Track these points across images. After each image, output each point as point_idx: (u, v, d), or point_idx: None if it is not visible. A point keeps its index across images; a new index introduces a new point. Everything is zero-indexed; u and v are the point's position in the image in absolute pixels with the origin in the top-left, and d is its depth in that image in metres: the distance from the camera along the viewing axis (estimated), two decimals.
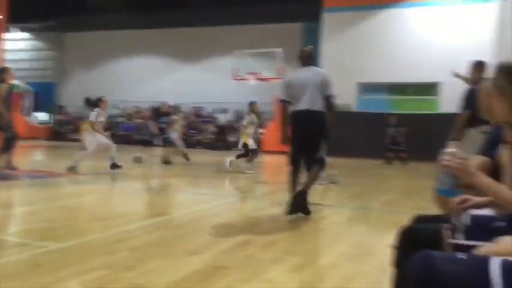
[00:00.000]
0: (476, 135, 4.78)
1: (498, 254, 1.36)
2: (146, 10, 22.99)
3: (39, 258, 3.05)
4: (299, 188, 4.96)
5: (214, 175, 9.51)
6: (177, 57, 23.59)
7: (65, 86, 26.34)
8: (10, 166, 7.95)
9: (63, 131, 23.22)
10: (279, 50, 17.43)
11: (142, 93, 23.00)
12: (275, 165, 12.09)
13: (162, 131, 11.39)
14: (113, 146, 8.67)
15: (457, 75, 6.30)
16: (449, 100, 14.71)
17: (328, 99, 5.05)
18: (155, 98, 22.81)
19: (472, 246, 1.60)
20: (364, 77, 17.61)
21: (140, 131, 20.45)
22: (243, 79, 18.10)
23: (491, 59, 9.11)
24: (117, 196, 6.56)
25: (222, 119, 21.27)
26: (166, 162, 11.01)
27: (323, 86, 5.02)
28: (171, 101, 12.33)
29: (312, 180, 5.04)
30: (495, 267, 1.28)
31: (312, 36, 19.04)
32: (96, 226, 4.24)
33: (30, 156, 12.99)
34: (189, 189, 7.78)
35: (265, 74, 17.82)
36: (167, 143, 11.28)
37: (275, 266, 3.06)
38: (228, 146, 19.63)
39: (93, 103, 8.71)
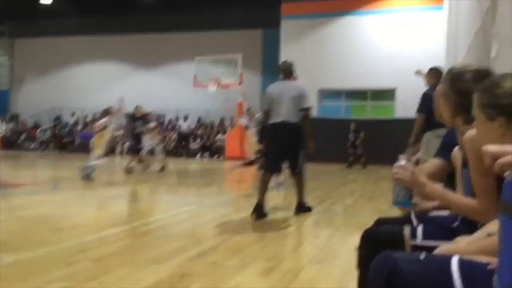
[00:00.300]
0: (433, 139, 4.96)
1: (455, 254, 1.42)
2: (102, 15, 22.44)
3: None
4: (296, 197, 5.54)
5: (178, 182, 9.41)
6: (136, 63, 23.20)
7: (18, 93, 25.45)
8: None
9: (16, 140, 22.42)
10: (239, 56, 17.49)
11: (100, 101, 22.42)
12: (238, 171, 12.09)
13: (136, 137, 10.92)
14: (107, 160, 9.03)
15: (419, 74, 6.53)
16: (405, 105, 15.18)
17: (302, 112, 5.29)
18: (113, 105, 22.35)
19: (431, 247, 1.66)
20: (324, 83, 17.91)
21: None
22: (204, 85, 18.03)
23: (445, 65, 9.43)
24: (78, 205, 6.38)
25: (184, 126, 21.08)
26: (128, 170, 10.76)
27: (299, 99, 5.26)
28: (131, 108, 11.76)
29: (301, 188, 5.48)
30: (455, 266, 1.33)
31: (272, 43, 19.23)
32: (56, 237, 4.11)
33: None
34: (153, 197, 7.67)
35: (225, 80, 17.81)
36: (134, 151, 10.93)
37: (241, 272, 3.06)
38: (191, 153, 19.45)
39: (104, 112, 9.23)
